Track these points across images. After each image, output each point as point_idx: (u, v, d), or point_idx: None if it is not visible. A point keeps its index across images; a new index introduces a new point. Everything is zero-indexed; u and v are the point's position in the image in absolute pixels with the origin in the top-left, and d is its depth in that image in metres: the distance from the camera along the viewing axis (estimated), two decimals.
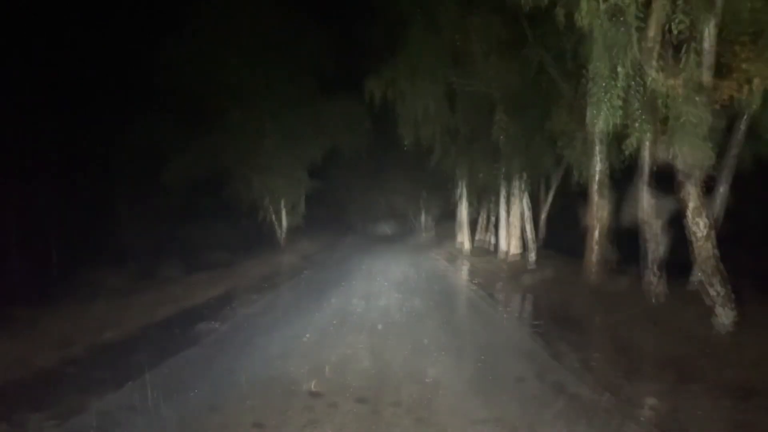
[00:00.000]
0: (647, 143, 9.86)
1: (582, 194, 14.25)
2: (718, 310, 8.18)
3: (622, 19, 7.45)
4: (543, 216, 20.12)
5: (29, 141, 18.95)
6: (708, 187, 8.85)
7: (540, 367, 6.93)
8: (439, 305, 11.98)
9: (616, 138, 10.82)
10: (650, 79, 7.74)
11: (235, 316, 10.82)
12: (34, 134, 18.95)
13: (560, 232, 18.50)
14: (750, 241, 12.56)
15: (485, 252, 22.40)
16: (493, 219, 24.21)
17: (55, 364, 7.45)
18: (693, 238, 8.46)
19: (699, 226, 8.31)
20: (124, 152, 22.18)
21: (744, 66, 7.57)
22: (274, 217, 26.04)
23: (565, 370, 6.79)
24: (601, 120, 8.24)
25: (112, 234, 22.93)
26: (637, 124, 8.16)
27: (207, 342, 8.66)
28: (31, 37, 18.03)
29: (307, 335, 8.89)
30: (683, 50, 7.86)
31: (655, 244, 10.46)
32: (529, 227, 18.02)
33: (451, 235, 27.45)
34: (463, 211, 25.11)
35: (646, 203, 10.64)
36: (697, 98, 7.58)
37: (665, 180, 9.31)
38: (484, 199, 24.65)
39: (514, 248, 19.42)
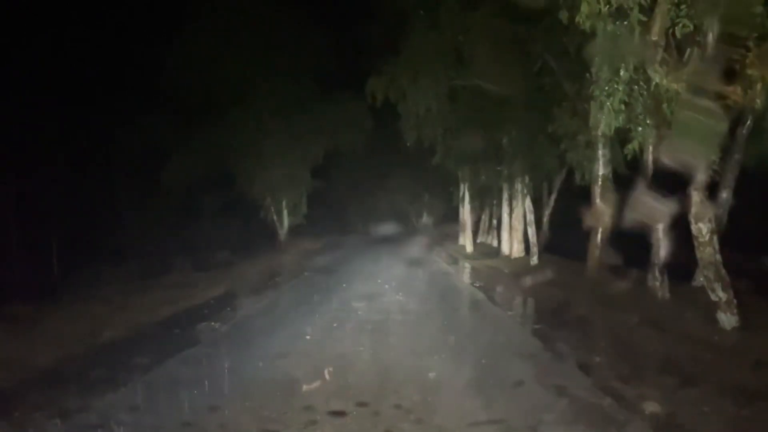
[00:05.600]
0: (650, 146, 9.85)
1: (585, 196, 14.22)
2: (720, 315, 8.16)
3: (625, 22, 7.42)
4: (545, 217, 20.09)
5: (30, 140, 18.96)
6: (711, 191, 8.82)
7: (541, 369, 6.91)
8: (440, 307, 11.96)
9: (620, 140, 10.83)
10: (654, 83, 7.71)
11: (236, 316, 10.82)
12: (35, 133, 18.95)
13: (563, 234, 18.47)
14: (754, 244, 12.51)
15: (487, 253, 22.36)
16: (495, 220, 24.20)
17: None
18: (695, 243, 8.43)
19: (701, 231, 8.28)
20: (125, 151, 22.21)
21: (747, 70, 7.53)
22: (275, 216, 26.05)
23: (565, 372, 6.77)
24: (603, 122, 8.23)
25: (113, 233, 22.94)
26: (639, 128, 8.15)
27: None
28: (33, 36, 18.04)
29: (308, 336, 8.89)
30: (687, 53, 7.83)
31: (658, 246, 10.43)
32: (531, 228, 17.99)
33: (453, 236, 27.44)
34: (465, 212, 25.09)
35: (648, 205, 10.60)
36: (700, 95, 7.56)
37: (668, 182, 9.28)
38: (486, 200, 24.64)
39: (517, 250, 19.40)
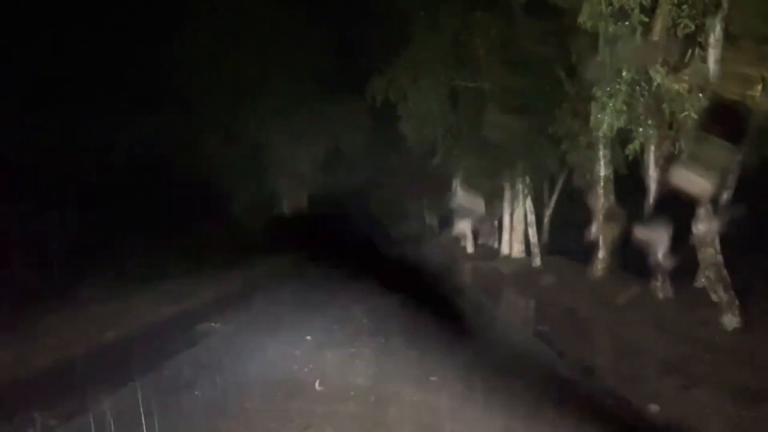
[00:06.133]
0: (652, 146, 9.85)
1: (586, 196, 14.21)
2: (722, 315, 8.15)
3: (627, 23, 7.42)
4: (546, 218, 20.08)
5: (29, 140, 18.94)
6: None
7: (543, 370, 6.91)
8: (440, 309, 11.91)
9: (621, 140, 10.83)
10: (655, 84, 7.71)
11: (237, 316, 10.78)
12: (34, 133, 18.94)
13: (564, 235, 18.45)
14: (755, 246, 12.50)
15: (488, 254, 22.33)
16: (495, 221, 24.17)
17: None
18: (697, 244, 8.43)
19: (703, 233, 8.27)
20: (125, 151, 22.16)
21: (749, 69, 7.53)
22: None
23: (567, 373, 6.76)
24: (605, 123, 8.23)
25: (112, 233, 22.90)
26: (641, 129, 8.15)
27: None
28: (31, 35, 18.04)
29: (308, 336, 8.87)
30: (688, 53, 7.84)
31: (660, 247, 10.43)
32: (531, 229, 17.97)
33: (454, 236, 27.40)
34: None
35: (650, 206, 10.61)
36: (702, 95, 7.57)
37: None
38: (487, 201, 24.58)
39: (517, 250, 19.38)
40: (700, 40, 7.82)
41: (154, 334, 8.92)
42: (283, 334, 8.59)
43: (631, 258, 12.14)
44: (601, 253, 13.28)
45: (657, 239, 10.10)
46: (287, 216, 27.15)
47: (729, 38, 7.81)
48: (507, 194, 20.20)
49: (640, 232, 10.28)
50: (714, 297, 8.27)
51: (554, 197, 19.67)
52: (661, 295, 10.41)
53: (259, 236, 23.03)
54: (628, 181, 13.28)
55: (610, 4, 7.39)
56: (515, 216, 19.48)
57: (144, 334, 8.93)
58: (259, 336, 8.50)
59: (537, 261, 17.18)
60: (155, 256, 16.11)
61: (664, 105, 8.16)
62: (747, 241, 10.68)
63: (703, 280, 9.03)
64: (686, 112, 7.72)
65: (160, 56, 19.84)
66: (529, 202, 18.24)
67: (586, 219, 13.92)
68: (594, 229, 13.58)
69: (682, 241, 9.36)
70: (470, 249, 24.22)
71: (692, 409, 5.55)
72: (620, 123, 8.23)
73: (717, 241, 8.32)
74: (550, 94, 15.09)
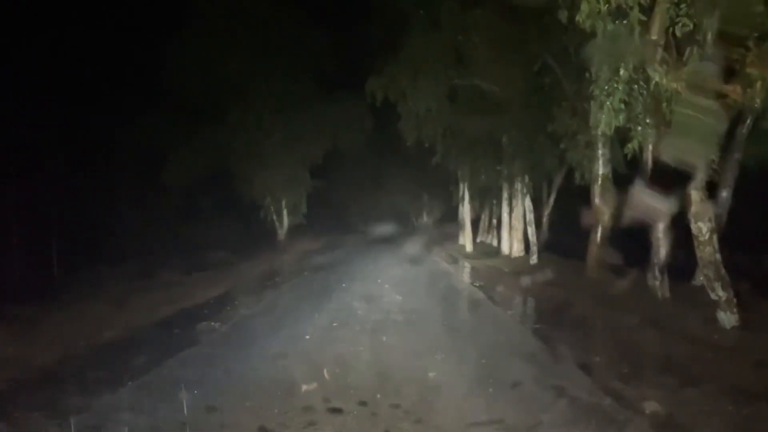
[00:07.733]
0: (650, 145, 9.85)
1: (584, 195, 14.21)
2: (720, 314, 8.16)
3: (625, 21, 7.41)
4: (545, 217, 20.09)
5: (30, 140, 18.94)
6: (710, 191, 8.81)
7: (540, 369, 6.90)
8: (440, 307, 11.93)
9: (619, 139, 10.82)
10: (653, 82, 7.70)
11: (235, 316, 10.79)
12: (35, 133, 18.94)
13: (562, 233, 18.46)
14: (753, 244, 12.51)
15: (487, 253, 22.35)
16: (495, 220, 24.19)
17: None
18: (695, 242, 8.43)
19: (701, 230, 8.27)
20: (125, 151, 22.21)
21: (747, 69, 7.52)
22: (275, 216, 26.05)
23: (565, 372, 6.75)
24: (603, 122, 8.22)
25: (113, 233, 22.94)
26: (639, 127, 8.14)
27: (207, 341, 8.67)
28: (33, 36, 18.04)
29: (307, 336, 8.88)
30: (686, 52, 7.82)
31: (657, 245, 10.43)
32: (531, 228, 17.98)
33: (453, 235, 27.42)
34: (465, 212, 25.07)
35: (648, 205, 10.59)
36: (699, 98, 7.55)
37: (668, 181, 9.27)
38: (486, 199, 24.63)
39: (516, 249, 19.39)
40: (698, 38, 7.80)
41: None
42: None
43: (630, 257, 12.14)
44: (599, 251, 13.28)
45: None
46: None
47: (727, 37, 7.79)
48: (506, 193, 20.21)
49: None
50: (712, 295, 8.27)
51: (553, 196, 19.68)
52: (659, 293, 10.42)
53: None
54: (628, 180, 13.26)
55: (609, 2, 7.37)
56: (514, 214, 19.49)
57: None
58: None
59: (536, 259, 17.20)
60: None
61: (663, 104, 8.14)
62: (745, 239, 10.69)
63: (701, 278, 9.02)
64: (685, 117, 7.69)
65: (160, 56, 19.85)
66: (528, 201, 18.25)
67: (585, 217, 13.91)
68: (592, 227, 13.58)
69: (680, 239, 9.36)
70: (469, 247, 24.25)
71: (690, 407, 5.54)
72: (618, 122, 8.22)
73: (715, 239, 8.32)
74: (548, 93, 15.08)
